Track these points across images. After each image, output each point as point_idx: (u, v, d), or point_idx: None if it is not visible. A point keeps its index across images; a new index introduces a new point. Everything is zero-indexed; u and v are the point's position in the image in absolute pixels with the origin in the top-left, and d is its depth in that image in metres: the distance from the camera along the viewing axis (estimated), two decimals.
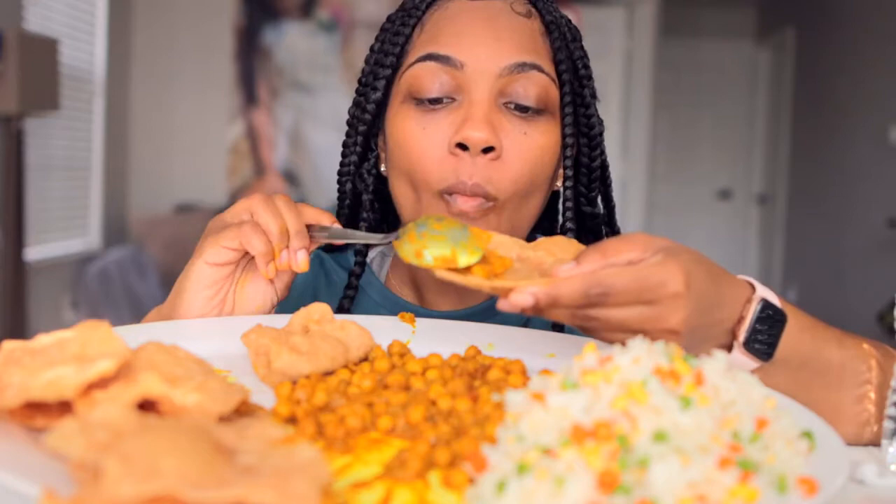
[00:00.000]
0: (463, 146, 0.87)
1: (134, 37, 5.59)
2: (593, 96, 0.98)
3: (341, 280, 1.04)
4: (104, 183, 5.23)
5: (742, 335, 0.70)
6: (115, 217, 5.32)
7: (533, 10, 0.94)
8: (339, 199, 1.03)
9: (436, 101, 0.89)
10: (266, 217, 0.82)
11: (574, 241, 0.71)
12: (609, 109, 6.48)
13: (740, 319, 0.70)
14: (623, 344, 0.61)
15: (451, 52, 0.89)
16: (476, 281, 0.66)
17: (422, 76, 0.90)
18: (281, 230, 0.81)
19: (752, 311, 0.70)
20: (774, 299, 0.72)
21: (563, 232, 0.96)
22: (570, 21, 0.98)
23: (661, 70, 6.69)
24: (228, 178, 5.80)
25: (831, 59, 5.89)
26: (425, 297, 1.00)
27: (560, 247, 0.67)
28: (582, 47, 0.98)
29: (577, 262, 0.63)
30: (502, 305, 0.64)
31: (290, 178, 5.84)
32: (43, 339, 0.60)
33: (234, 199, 5.74)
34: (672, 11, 6.74)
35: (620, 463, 0.49)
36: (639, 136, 6.55)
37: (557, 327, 0.93)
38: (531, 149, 0.89)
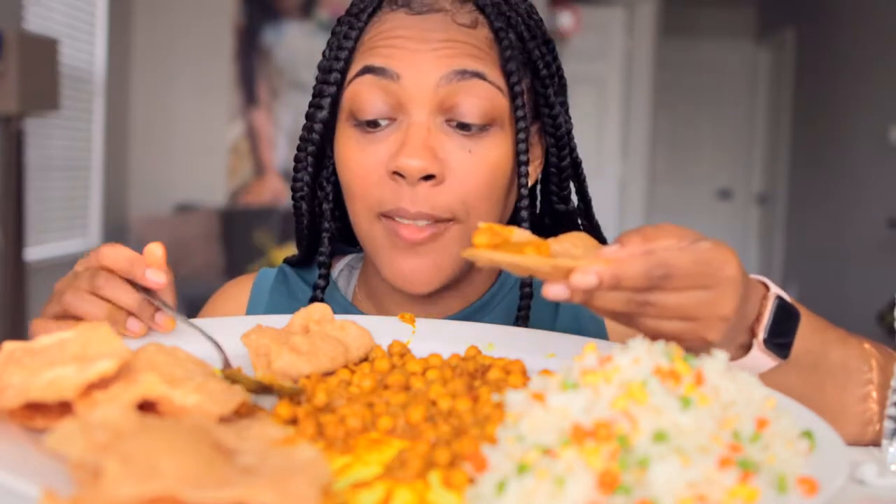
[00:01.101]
0: (401, 174, 0.83)
1: (134, 37, 5.59)
2: (559, 93, 0.94)
3: (305, 295, 1.01)
4: (104, 183, 5.23)
5: (762, 333, 0.69)
6: (115, 217, 5.32)
7: (480, 17, 0.88)
8: (295, 217, 1.00)
9: (375, 124, 0.86)
10: (91, 307, 0.73)
11: (590, 237, 0.66)
12: (609, 109, 6.48)
13: (758, 317, 0.69)
14: (668, 338, 0.60)
15: (385, 64, 0.85)
16: (533, 260, 0.60)
17: (360, 93, 0.86)
18: (110, 314, 0.73)
19: (770, 308, 0.69)
20: (787, 298, 0.72)
21: (542, 231, 0.94)
22: (530, 15, 0.91)
23: (661, 70, 6.69)
24: (228, 178, 5.80)
25: (831, 59, 5.89)
26: (389, 309, 0.96)
27: (582, 240, 0.65)
28: (545, 43, 0.92)
29: (620, 244, 0.60)
30: (552, 291, 0.59)
31: (290, 178, 5.84)
32: (43, 340, 0.60)
33: (233, 198, 5.74)
34: (672, 11, 6.74)
35: (620, 463, 0.49)
36: (639, 136, 6.55)
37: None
38: (477, 167, 0.85)
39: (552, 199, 0.98)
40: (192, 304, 1.52)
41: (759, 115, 7.43)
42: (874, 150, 5.09)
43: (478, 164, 0.85)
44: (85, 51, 4.96)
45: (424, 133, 0.84)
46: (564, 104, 0.96)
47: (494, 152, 0.86)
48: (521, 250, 0.61)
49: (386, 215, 0.86)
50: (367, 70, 0.86)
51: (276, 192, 5.82)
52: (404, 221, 0.85)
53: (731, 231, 7.40)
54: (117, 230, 5.31)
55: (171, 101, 5.68)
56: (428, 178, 0.83)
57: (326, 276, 0.96)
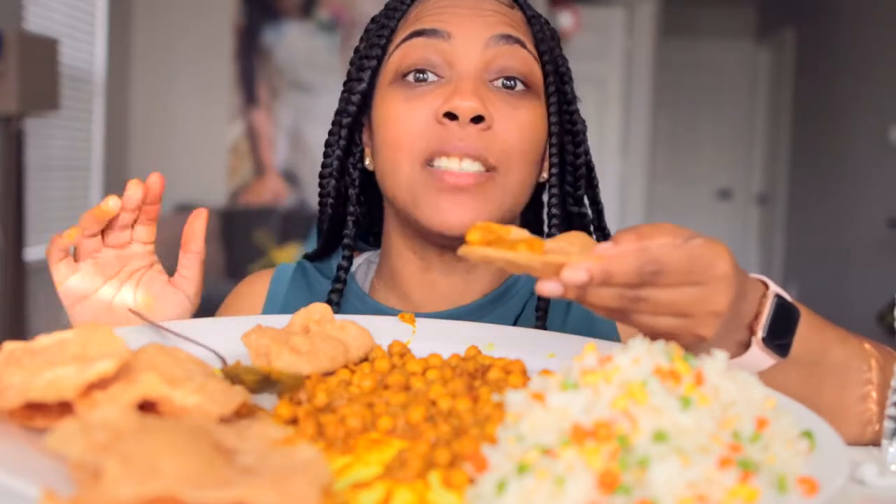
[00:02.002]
0: (452, 116, 0.86)
1: (134, 37, 5.59)
2: (573, 94, 0.98)
3: (324, 289, 1.02)
4: (104, 183, 5.23)
5: (760, 331, 0.69)
6: None
7: (516, 5, 0.96)
8: (320, 197, 1.01)
9: (421, 80, 0.90)
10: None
11: (588, 236, 0.67)
12: (609, 109, 6.48)
13: (757, 315, 0.69)
14: (663, 335, 0.60)
15: (436, 26, 0.90)
16: (524, 256, 0.60)
17: (408, 53, 0.90)
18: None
19: (769, 306, 0.69)
20: (786, 296, 0.72)
21: (550, 223, 0.96)
22: (548, 22, 0.99)
23: (661, 70, 6.69)
24: (228, 178, 5.80)
25: (831, 59, 5.89)
26: (413, 300, 0.98)
27: (579, 239, 0.65)
28: (560, 47, 0.99)
29: (614, 242, 0.61)
30: (546, 288, 0.59)
31: (290, 178, 5.84)
32: (43, 340, 0.60)
33: (233, 198, 5.74)
34: (672, 11, 6.75)
35: (620, 463, 0.49)
36: (639, 136, 6.55)
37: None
38: (521, 122, 0.89)
39: (566, 199, 0.99)
40: None
41: (759, 115, 7.43)
42: (874, 150, 5.09)
43: (520, 120, 0.89)
44: (85, 51, 4.96)
45: (474, 82, 0.88)
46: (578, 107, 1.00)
47: (533, 114, 0.91)
48: (513, 247, 0.62)
49: (430, 164, 0.88)
50: (417, 33, 0.91)
51: (276, 192, 5.82)
52: (450, 167, 0.87)
53: (731, 231, 7.41)
54: None
55: (171, 101, 5.68)
56: (477, 121, 0.87)
57: (350, 258, 0.98)
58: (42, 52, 3.74)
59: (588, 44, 6.24)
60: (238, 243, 5.36)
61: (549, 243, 0.63)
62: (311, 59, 5.79)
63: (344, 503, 0.49)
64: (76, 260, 0.86)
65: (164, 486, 0.44)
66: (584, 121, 0.99)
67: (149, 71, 5.64)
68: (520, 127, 0.89)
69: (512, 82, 0.90)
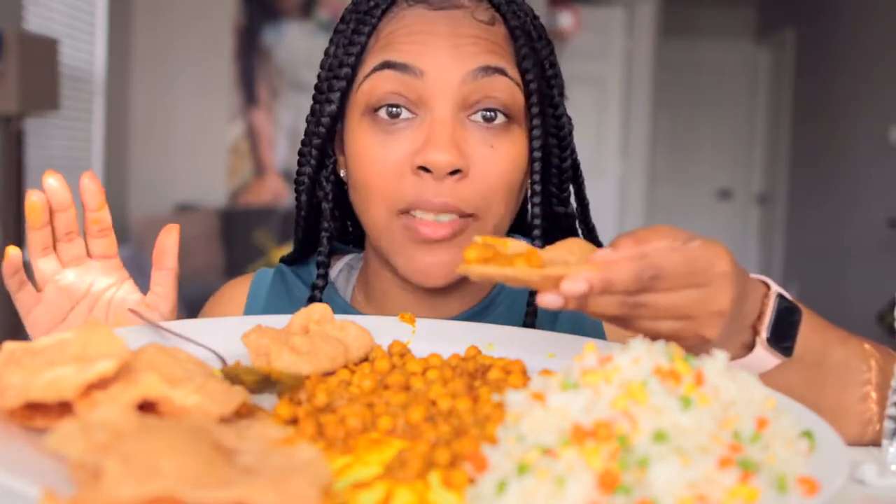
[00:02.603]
0: (426, 169, 0.83)
1: (134, 37, 5.59)
2: (561, 94, 0.94)
3: (302, 294, 1.00)
4: (104, 183, 5.21)
5: (764, 331, 0.69)
6: (115, 217, 5.23)
7: (496, 15, 0.89)
8: (296, 210, 0.99)
9: (395, 116, 0.85)
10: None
11: (587, 242, 0.67)
12: (609, 109, 6.48)
13: (760, 315, 0.69)
14: (667, 339, 0.60)
15: (408, 60, 0.84)
16: (523, 272, 0.60)
17: (379, 87, 0.85)
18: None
19: (772, 305, 0.69)
20: (788, 296, 0.72)
21: (532, 233, 0.93)
22: (535, 17, 0.93)
23: (661, 70, 6.69)
24: (228, 178, 5.80)
25: (831, 59, 5.89)
26: (392, 312, 0.95)
27: (578, 246, 0.65)
28: (548, 44, 0.93)
29: (613, 248, 0.61)
30: (547, 300, 0.59)
31: (290, 178, 5.83)
32: (43, 340, 0.60)
33: (233, 198, 5.74)
34: (672, 11, 6.75)
35: (620, 463, 0.49)
36: (639, 136, 6.55)
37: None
38: (499, 162, 0.85)
39: (552, 200, 0.98)
40: (191, 304, 1.52)
41: (759, 115, 7.43)
42: (874, 150, 5.09)
43: (499, 159, 0.86)
44: (85, 51, 4.96)
45: (450, 128, 0.84)
46: (564, 106, 0.97)
47: (514, 147, 0.87)
48: (511, 262, 0.61)
49: (405, 212, 0.85)
50: (388, 65, 0.85)
51: (276, 192, 5.82)
52: (425, 218, 0.84)
53: (731, 231, 7.41)
54: (117, 230, 5.29)
55: (171, 101, 5.68)
56: (454, 172, 0.83)
57: (325, 276, 0.96)
58: (42, 52, 3.74)
59: (588, 44, 6.24)
60: (238, 243, 5.36)
61: (548, 252, 0.63)
62: (311, 59, 5.78)
63: (344, 503, 0.49)
64: (38, 289, 0.83)
65: (164, 486, 0.44)
66: (569, 119, 0.95)
67: (149, 71, 5.64)
68: (499, 168, 0.85)
69: (492, 113, 0.85)
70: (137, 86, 5.63)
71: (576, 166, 0.98)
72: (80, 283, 0.84)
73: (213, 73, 5.73)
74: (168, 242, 0.85)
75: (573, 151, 0.97)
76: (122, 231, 5.33)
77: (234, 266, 5.17)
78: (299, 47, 5.79)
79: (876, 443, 0.79)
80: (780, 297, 0.70)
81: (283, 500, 0.44)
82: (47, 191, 0.81)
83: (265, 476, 0.48)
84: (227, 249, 5.38)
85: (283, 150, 5.84)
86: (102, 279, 0.85)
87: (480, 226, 0.86)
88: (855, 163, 5.38)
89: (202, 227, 5.36)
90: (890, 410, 0.68)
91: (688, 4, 7.11)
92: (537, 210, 0.92)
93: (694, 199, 7.58)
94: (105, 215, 0.85)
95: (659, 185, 7.17)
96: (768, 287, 0.71)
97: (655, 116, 6.65)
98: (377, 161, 0.85)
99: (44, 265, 0.83)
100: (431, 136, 0.83)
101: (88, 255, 0.86)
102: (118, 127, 5.41)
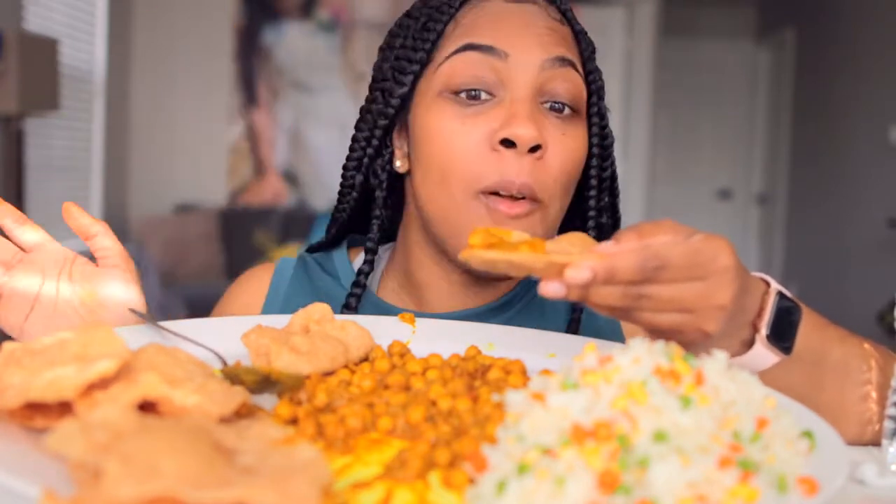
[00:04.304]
0: (509, 143, 0.85)
1: (134, 37, 5.60)
2: (607, 109, 0.98)
3: (325, 284, 1.01)
4: (104, 183, 5.23)
5: (764, 328, 0.69)
6: (115, 217, 5.32)
7: (564, 18, 0.94)
8: (340, 193, 0.99)
9: (474, 98, 0.87)
10: None
11: (589, 237, 0.67)
12: (609, 109, 6.47)
13: (760, 312, 0.69)
14: (667, 331, 0.60)
15: (493, 43, 0.88)
16: (527, 257, 0.60)
17: (461, 69, 0.88)
18: None
19: (772, 302, 0.69)
20: (788, 294, 0.72)
21: (587, 223, 0.95)
22: (587, 34, 0.97)
23: (661, 70, 6.69)
24: (228, 178, 5.80)
25: (831, 59, 5.89)
26: (426, 299, 0.97)
27: (580, 240, 0.65)
28: (595, 62, 0.98)
29: (616, 241, 0.61)
30: (549, 288, 0.59)
31: (290, 178, 5.85)
32: (43, 340, 0.60)
33: (233, 199, 5.75)
34: (672, 11, 6.74)
35: (620, 463, 0.49)
36: (639, 136, 6.55)
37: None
38: (570, 149, 0.89)
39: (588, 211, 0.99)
40: (191, 304, 1.52)
41: (759, 115, 7.43)
42: (874, 150, 5.09)
43: (570, 147, 0.89)
44: (85, 51, 4.96)
45: (531, 107, 0.87)
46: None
47: (579, 139, 0.91)
48: (515, 249, 0.62)
49: (486, 193, 0.86)
50: (471, 47, 0.88)
51: (276, 192, 5.82)
52: (504, 196, 0.86)
53: (731, 231, 7.40)
54: (117, 230, 5.25)
55: (171, 101, 5.69)
56: (534, 149, 0.86)
57: (371, 262, 0.97)
58: (42, 52, 3.74)
59: None
60: (238, 243, 5.36)
61: (550, 244, 0.63)
62: (311, 59, 5.79)
63: (344, 503, 0.49)
64: None
65: (164, 486, 0.44)
66: (612, 132, 0.99)
67: (149, 71, 5.64)
68: (569, 155, 0.89)
69: (560, 105, 0.89)
70: (137, 86, 5.63)
71: (614, 178, 1.00)
72: (33, 271, 0.84)
73: (213, 73, 5.74)
74: (75, 216, 0.85)
75: (613, 162, 0.99)
76: (123, 231, 5.33)
77: (235, 266, 5.17)
78: (299, 47, 5.79)
79: (876, 443, 0.79)
80: (781, 294, 0.70)
81: (283, 500, 0.44)
82: None
83: (265, 476, 0.48)
84: (226, 250, 5.39)
85: (283, 150, 5.84)
86: (50, 265, 0.84)
87: (544, 214, 0.88)
88: (855, 163, 5.38)
89: (202, 228, 5.36)
90: (890, 410, 0.68)
91: (688, 4, 7.11)
92: (592, 203, 0.95)
93: (694, 199, 7.58)
94: (9, 207, 0.85)
95: (659, 185, 7.16)
96: (768, 285, 0.71)
97: (655, 116, 6.65)
98: (458, 139, 0.87)
99: None
100: (514, 112, 0.86)
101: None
102: (118, 127, 5.41)
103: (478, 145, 0.86)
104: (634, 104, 6.50)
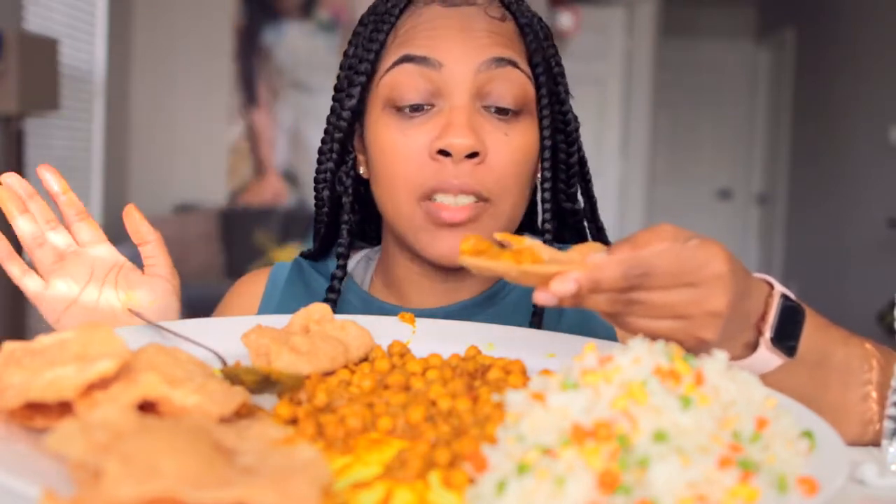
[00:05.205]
0: (445, 153, 0.87)
1: (134, 37, 5.59)
2: (567, 93, 0.98)
3: (320, 286, 1.03)
4: (104, 183, 5.23)
5: (768, 331, 0.69)
6: (115, 217, 5.31)
7: (507, 13, 0.94)
8: (316, 206, 1.02)
9: (416, 109, 0.89)
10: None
11: (604, 246, 0.67)
12: (609, 109, 6.48)
13: (763, 314, 0.69)
14: (665, 339, 0.60)
15: (427, 53, 0.89)
16: (507, 265, 0.62)
17: (400, 82, 0.89)
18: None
19: (776, 305, 0.69)
20: (792, 296, 0.71)
21: (543, 228, 0.96)
22: (541, 19, 0.98)
23: (661, 70, 6.69)
24: (228, 178, 5.80)
25: (831, 59, 5.89)
26: (410, 296, 0.99)
27: (589, 249, 0.65)
28: (554, 45, 0.98)
29: (609, 252, 0.62)
30: (541, 298, 0.61)
31: (290, 178, 5.84)
32: (43, 340, 0.60)
33: (233, 199, 5.74)
34: (672, 11, 6.74)
35: (620, 463, 0.49)
36: (639, 136, 6.55)
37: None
38: (513, 150, 0.89)
39: (559, 196, 1.01)
40: (191, 305, 1.52)
41: (759, 115, 7.43)
42: (874, 150, 5.09)
43: (513, 147, 0.90)
44: (85, 51, 4.96)
45: (467, 114, 0.88)
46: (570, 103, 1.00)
47: (526, 137, 0.91)
48: (498, 257, 0.63)
49: (427, 198, 0.89)
50: (407, 59, 0.90)
51: (276, 192, 5.82)
52: (445, 201, 0.88)
53: (731, 231, 7.41)
54: (117, 230, 5.30)
55: (171, 101, 5.68)
56: (471, 156, 0.87)
57: (344, 267, 0.99)
58: (42, 52, 3.74)
59: (588, 44, 6.24)
60: (238, 243, 5.36)
61: (561, 254, 0.64)
62: (311, 59, 5.79)
63: (344, 503, 0.49)
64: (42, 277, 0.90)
65: (164, 486, 0.44)
66: (576, 117, 0.99)
67: (149, 71, 5.64)
68: (513, 155, 0.89)
69: (502, 107, 0.90)
70: (137, 86, 5.63)
71: (583, 162, 1.02)
72: (82, 268, 0.90)
73: (213, 73, 5.73)
74: (135, 220, 0.92)
75: (580, 148, 1.00)
76: (123, 231, 5.33)
77: (234, 266, 5.17)
78: (299, 47, 5.79)
79: (876, 443, 0.79)
80: (784, 296, 0.70)
81: (283, 500, 0.44)
82: (8, 184, 0.88)
83: (265, 476, 0.48)
84: (227, 250, 5.38)
85: (283, 150, 5.84)
86: (101, 264, 0.91)
87: (496, 211, 0.90)
88: (855, 163, 5.38)
89: (202, 228, 5.35)
90: (890, 410, 0.68)
91: (688, 4, 7.10)
92: (547, 205, 0.96)
93: (694, 199, 7.58)
94: (74, 198, 0.91)
95: (659, 185, 7.16)
96: (772, 286, 0.71)
97: (655, 116, 6.64)
98: (399, 149, 0.89)
99: (41, 255, 0.90)
100: (450, 121, 0.87)
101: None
102: (118, 127, 5.41)
103: (419, 155, 0.89)
104: (634, 104, 6.50)
